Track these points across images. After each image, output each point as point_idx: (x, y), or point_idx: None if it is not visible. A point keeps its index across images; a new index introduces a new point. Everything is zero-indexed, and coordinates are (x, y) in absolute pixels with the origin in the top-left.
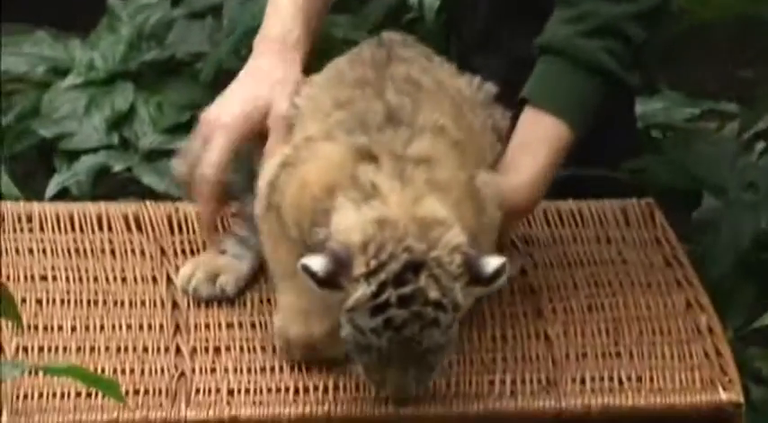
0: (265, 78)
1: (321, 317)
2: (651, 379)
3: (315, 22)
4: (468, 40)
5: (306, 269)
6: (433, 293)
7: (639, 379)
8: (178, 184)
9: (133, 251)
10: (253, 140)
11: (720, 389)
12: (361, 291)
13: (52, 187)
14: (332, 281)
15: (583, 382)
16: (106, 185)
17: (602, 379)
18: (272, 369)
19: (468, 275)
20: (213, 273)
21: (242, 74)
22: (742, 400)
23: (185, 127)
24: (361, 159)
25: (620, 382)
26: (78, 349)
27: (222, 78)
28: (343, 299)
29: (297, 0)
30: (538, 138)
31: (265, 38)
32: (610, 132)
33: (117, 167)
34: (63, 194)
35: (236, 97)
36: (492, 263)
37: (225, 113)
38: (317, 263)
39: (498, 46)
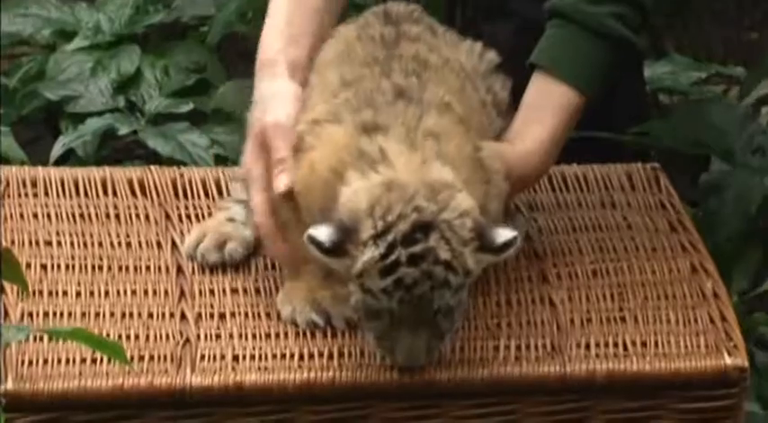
0: (258, 104)
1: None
2: (656, 344)
3: (308, 26)
4: (476, 5)
5: (312, 240)
6: (444, 254)
7: (644, 344)
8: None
9: (138, 216)
10: None
11: (725, 354)
12: (370, 253)
13: (57, 149)
14: (338, 249)
15: (587, 347)
16: (111, 148)
17: (606, 344)
18: (277, 335)
19: (479, 242)
20: (221, 240)
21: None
22: (746, 365)
23: (191, 90)
24: (367, 132)
25: (625, 347)
26: (83, 315)
27: (228, 42)
28: (350, 266)
29: (282, 14)
30: (547, 104)
31: (259, 63)
32: (617, 97)
33: (122, 130)
34: (68, 157)
35: (248, 139)
36: (503, 234)
37: (245, 160)
38: (322, 232)
39: (507, 11)
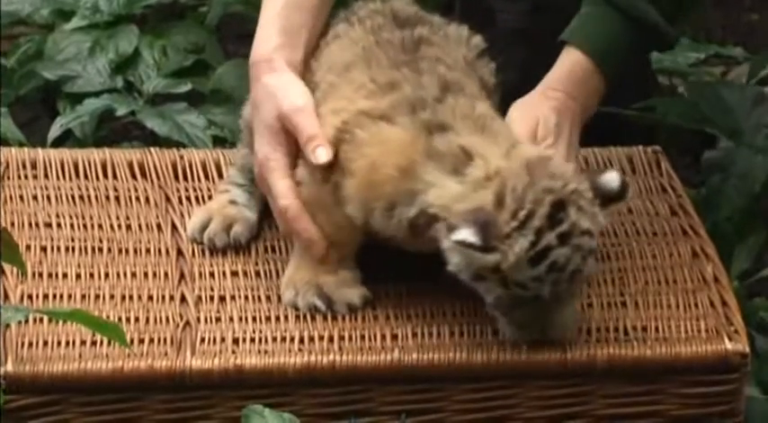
0: (266, 96)
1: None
2: (656, 329)
3: (301, 18)
4: None
5: (464, 243)
6: (585, 223)
7: (645, 329)
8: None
9: (138, 198)
10: None
11: (726, 339)
12: (519, 244)
13: (55, 129)
14: (489, 245)
15: (588, 332)
16: (109, 129)
17: (607, 329)
18: (277, 318)
19: (599, 197)
20: (228, 223)
21: (252, 104)
22: (747, 350)
23: (189, 71)
24: (432, 133)
25: (626, 332)
26: (83, 297)
27: (226, 22)
28: (498, 261)
29: (275, 8)
30: (571, 77)
31: (253, 62)
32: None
33: (121, 111)
34: (66, 137)
35: (258, 132)
36: (613, 178)
37: (259, 152)
38: (468, 234)
39: None
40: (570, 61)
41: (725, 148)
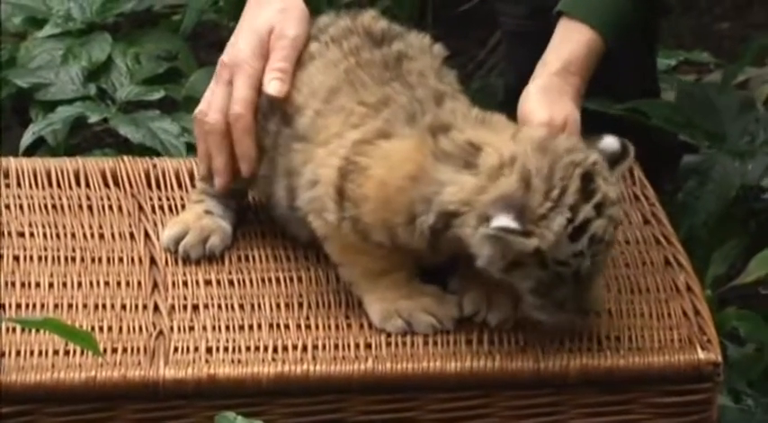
0: (268, 7)
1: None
2: (629, 338)
3: None
4: None
5: (504, 230)
6: (612, 192)
7: (618, 338)
8: (200, 136)
9: (111, 207)
10: None
11: (698, 348)
12: (557, 222)
13: (27, 137)
14: (528, 229)
15: (561, 341)
16: (82, 136)
17: (580, 339)
18: (251, 327)
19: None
20: (205, 235)
21: (246, 7)
22: (720, 359)
23: (162, 78)
24: (437, 134)
25: (599, 341)
26: (56, 306)
27: (199, 30)
28: (537, 244)
29: None
30: (569, 41)
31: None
32: (622, 72)
33: (93, 118)
34: (38, 145)
35: (244, 32)
36: (612, 141)
37: (238, 51)
38: (507, 221)
39: None
40: (586, 41)
41: (703, 153)
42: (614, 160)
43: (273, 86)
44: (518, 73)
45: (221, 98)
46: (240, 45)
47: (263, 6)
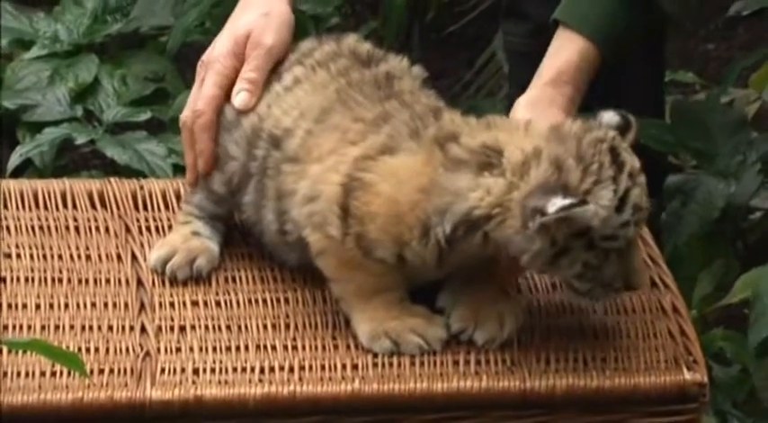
0: (251, 10)
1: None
2: (615, 359)
3: None
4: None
5: (563, 209)
6: (636, 161)
7: (604, 359)
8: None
9: (98, 228)
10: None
11: (685, 369)
12: (604, 196)
13: (14, 159)
14: (583, 199)
15: (547, 362)
16: (69, 158)
17: (566, 359)
18: (238, 348)
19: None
20: (192, 256)
21: (234, 11)
22: (706, 380)
23: (149, 100)
24: (444, 145)
25: (585, 362)
26: (43, 328)
27: (186, 51)
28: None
29: None
30: (564, 50)
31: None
32: (629, 89)
33: (80, 140)
34: (25, 167)
35: (224, 33)
36: (611, 115)
37: (213, 50)
38: (559, 200)
39: (520, 12)
40: (579, 50)
41: (688, 173)
42: (620, 132)
43: (240, 99)
44: (523, 91)
45: (193, 96)
46: (217, 44)
47: (247, 9)
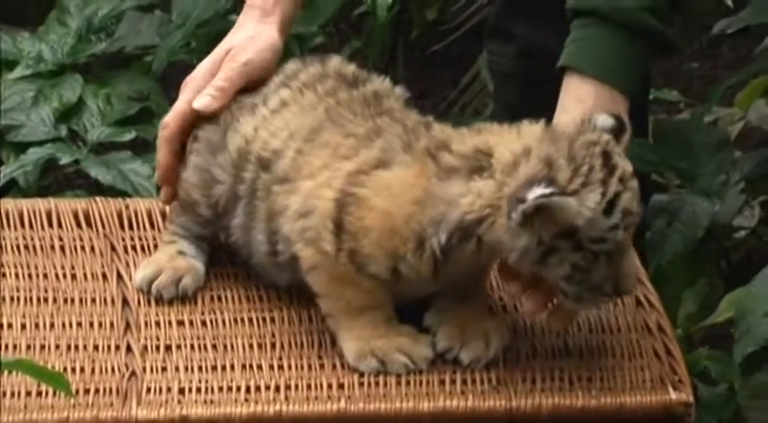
0: (239, 33)
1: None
2: (601, 378)
3: None
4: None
5: (544, 196)
6: (629, 166)
7: (590, 378)
8: None
9: (83, 248)
10: None
11: (670, 388)
12: (591, 198)
13: None
14: (566, 190)
15: (533, 381)
16: (54, 178)
17: (552, 378)
18: (224, 367)
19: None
20: (178, 275)
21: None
22: (692, 399)
23: (134, 119)
24: (436, 154)
25: (571, 381)
26: (28, 347)
27: (170, 71)
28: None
29: None
30: (588, 106)
31: (247, 7)
32: None
33: (65, 160)
34: (10, 186)
35: (210, 54)
36: (605, 118)
37: (196, 68)
38: (542, 188)
39: (507, 33)
40: (596, 96)
41: (673, 193)
42: (615, 136)
43: (201, 101)
44: (508, 112)
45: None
46: (200, 63)
47: (236, 32)
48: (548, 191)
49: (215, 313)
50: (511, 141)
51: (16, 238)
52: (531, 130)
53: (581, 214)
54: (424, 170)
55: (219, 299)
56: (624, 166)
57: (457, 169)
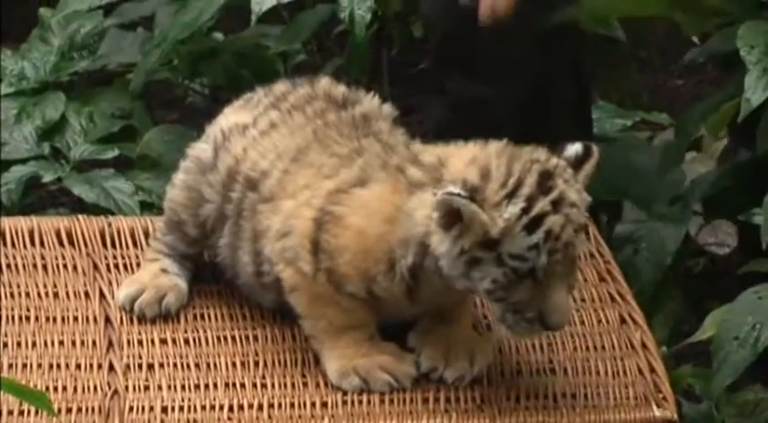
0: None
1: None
2: (585, 396)
3: None
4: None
5: (449, 193)
6: (573, 195)
7: (574, 396)
8: None
9: (65, 266)
10: None
11: (654, 405)
12: (509, 211)
13: None
14: (473, 196)
15: (517, 399)
16: (36, 196)
17: (536, 396)
18: (206, 386)
19: (570, 166)
20: (161, 293)
21: None
22: (676, 416)
23: (116, 137)
24: (405, 169)
25: (555, 399)
26: (10, 366)
27: (153, 88)
28: (485, 231)
29: None
30: None
31: None
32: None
33: (47, 178)
34: None
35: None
36: (574, 146)
37: None
38: (451, 188)
39: (443, 89)
40: None
41: (635, 221)
42: (579, 161)
43: None
44: None
45: None
46: None
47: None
48: (456, 191)
49: (198, 331)
50: (468, 152)
51: None
52: (493, 146)
53: (495, 224)
54: (397, 186)
55: (203, 317)
56: (565, 191)
57: (422, 183)
